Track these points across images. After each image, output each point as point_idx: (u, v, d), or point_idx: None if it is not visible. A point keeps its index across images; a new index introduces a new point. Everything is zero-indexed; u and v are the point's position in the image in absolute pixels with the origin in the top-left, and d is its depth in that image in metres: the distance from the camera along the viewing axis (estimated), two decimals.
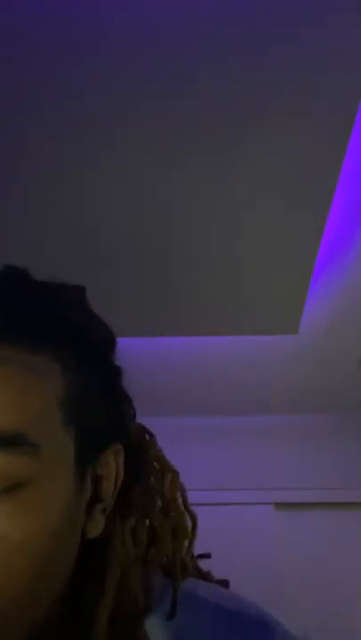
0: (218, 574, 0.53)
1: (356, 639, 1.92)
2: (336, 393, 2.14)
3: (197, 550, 0.51)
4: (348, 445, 2.23)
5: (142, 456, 0.50)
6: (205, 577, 0.51)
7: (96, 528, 0.43)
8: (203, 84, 1.15)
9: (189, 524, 0.50)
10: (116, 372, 0.50)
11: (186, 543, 0.49)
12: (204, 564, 0.51)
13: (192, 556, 0.50)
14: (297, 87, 1.15)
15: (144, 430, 0.53)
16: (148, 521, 0.48)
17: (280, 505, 2.15)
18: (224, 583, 0.52)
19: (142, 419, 0.52)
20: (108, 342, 0.50)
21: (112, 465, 0.46)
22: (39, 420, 0.39)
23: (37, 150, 1.25)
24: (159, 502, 0.49)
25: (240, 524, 2.07)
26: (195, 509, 0.51)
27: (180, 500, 0.50)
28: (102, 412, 0.45)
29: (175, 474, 0.52)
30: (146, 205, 1.39)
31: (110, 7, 1.03)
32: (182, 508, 0.50)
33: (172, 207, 1.39)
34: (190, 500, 0.51)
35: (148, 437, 0.53)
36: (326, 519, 2.13)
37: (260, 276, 1.60)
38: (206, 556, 0.53)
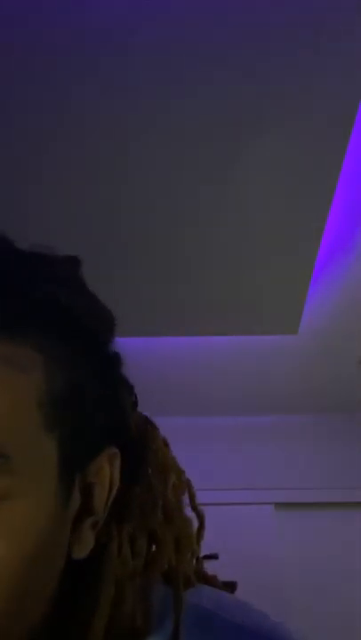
0: (217, 573, 0.52)
1: (356, 639, 1.92)
2: (336, 393, 2.14)
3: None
4: (349, 445, 2.23)
5: (143, 451, 0.45)
6: (211, 581, 0.47)
7: (84, 547, 0.37)
8: (203, 85, 1.15)
9: (195, 526, 0.45)
10: (113, 362, 0.43)
11: (190, 555, 0.43)
12: (210, 566, 0.48)
13: (198, 558, 0.46)
14: (297, 88, 1.15)
15: (146, 422, 0.47)
16: (148, 528, 0.42)
17: (280, 505, 2.15)
18: (231, 586, 0.49)
19: None
20: (105, 327, 0.43)
21: (106, 471, 0.39)
22: (10, 425, 0.33)
23: (37, 150, 1.25)
24: (161, 506, 0.43)
25: (240, 524, 2.07)
26: None
27: (184, 504, 0.45)
28: (95, 411, 0.39)
29: (180, 472, 0.46)
30: (147, 206, 1.39)
31: (110, 10, 1.03)
32: (186, 513, 0.45)
33: (174, 207, 1.39)
34: None
35: (150, 430, 0.46)
36: (327, 519, 2.12)
37: (260, 276, 1.60)
38: (213, 557, 0.49)
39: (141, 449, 0.45)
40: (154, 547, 0.42)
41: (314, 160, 1.28)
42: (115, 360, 0.44)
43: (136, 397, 0.47)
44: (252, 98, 1.16)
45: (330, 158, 1.28)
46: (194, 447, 2.12)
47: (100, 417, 0.40)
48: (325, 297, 1.72)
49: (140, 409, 0.48)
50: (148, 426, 0.47)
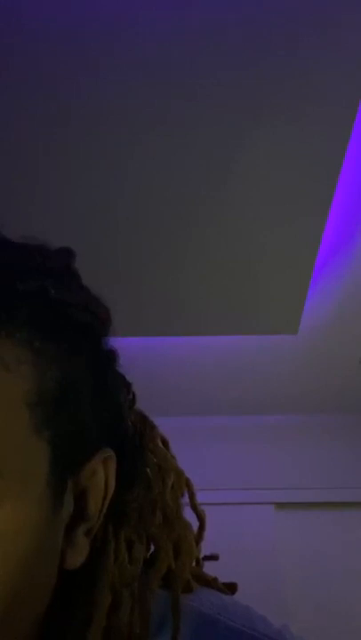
0: (217, 574, 0.51)
1: (357, 639, 1.92)
2: (336, 393, 2.13)
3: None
4: (349, 445, 2.23)
5: (140, 452, 0.43)
6: (211, 583, 0.46)
7: (78, 556, 0.36)
8: (201, 91, 1.14)
9: (195, 527, 0.44)
10: (108, 358, 0.42)
11: (189, 559, 0.42)
12: (209, 566, 0.48)
13: (198, 559, 0.45)
14: (297, 87, 1.15)
15: (144, 420, 0.45)
16: (146, 532, 0.40)
17: (280, 505, 2.15)
18: (232, 587, 0.48)
19: None
20: (100, 322, 0.40)
21: (101, 474, 0.38)
22: None
23: (35, 148, 1.25)
24: (159, 510, 0.41)
25: (240, 524, 2.07)
26: None
27: (183, 505, 0.44)
28: (90, 410, 0.37)
29: (179, 473, 0.45)
30: (145, 206, 1.39)
31: (111, 5, 1.03)
32: (186, 513, 0.44)
33: (173, 207, 1.39)
34: None
35: (148, 429, 0.45)
36: (327, 519, 2.12)
37: (261, 276, 1.60)
38: (213, 557, 0.47)
39: (139, 449, 0.43)
40: (152, 551, 0.41)
41: (314, 160, 1.28)
42: (110, 356, 0.42)
43: (134, 395, 0.45)
44: (251, 97, 1.16)
45: (330, 158, 1.28)
46: (194, 447, 2.12)
47: (94, 417, 0.38)
48: (325, 297, 1.72)
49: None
50: (146, 425, 0.45)
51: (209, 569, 0.49)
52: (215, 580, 0.46)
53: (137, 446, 0.43)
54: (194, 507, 0.46)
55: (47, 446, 0.34)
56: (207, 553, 0.48)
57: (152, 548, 0.42)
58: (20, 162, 1.27)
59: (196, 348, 1.88)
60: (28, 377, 0.33)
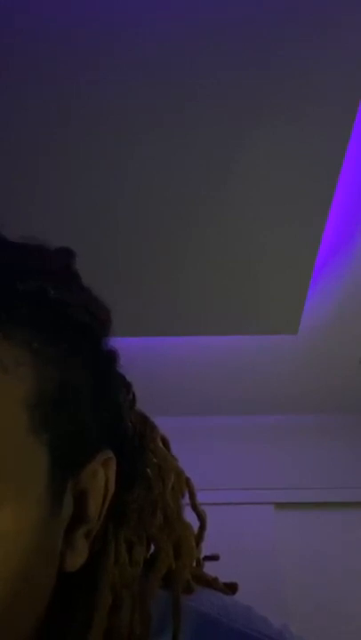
0: (217, 574, 0.51)
1: (356, 639, 1.92)
2: (336, 393, 2.13)
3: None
4: (349, 445, 2.22)
5: (141, 452, 0.43)
6: (212, 583, 0.46)
7: (77, 558, 0.35)
8: (201, 91, 1.14)
9: (196, 527, 0.44)
10: (109, 359, 0.41)
11: (190, 560, 0.42)
12: (209, 567, 0.48)
13: (198, 560, 0.45)
14: (297, 87, 1.15)
15: (144, 421, 0.45)
16: (146, 533, 0.40)
17: (280, 505, 2.14)
18: (232, 587, 0.48)
19: None
20: (100, 322, 0.40)
21: (101, 476, 0.37)
22: None
23: (35, 148, 1.25)
24: (160, 510, 0.41)
25: (240, 523, 2.07)
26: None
27: (183, 505, 0.44)
28: (90, 411, 0.37)
29: (179, 474, 0.45)
30: (145, 206, 1.39)
31: (111, 5, 1.03)
32: (187, 513, 0.44)
33: (174, 207, 1.39)
34: None
35: (148, 429, 0.45)
36: (327, 519, 2.12)
37: (261, 275, 1.60)
38: (214, 558, 0.47)
39: (139, 449, 0.43)
40: (152, 552, 0.41)
41: (314, 160, 1.28)
42: (110, 357, 0.42)
43: (134, 395, 0.45)
44: (251, 97, 1.16)
45: (330, 158, 1.28)
46: (194, 447, 2.12)
47: (95, 418, 0.38)
48: (325, 297, 1.72)
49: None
50: (146, 425, 0.45)
51: (209, 569, 0.49)
52: (216, 580, 0.46)
53: (137, 447, 0.43)
54: (194, 507, 0.46)
55: (46, 448, 0.33)
56: (207, 553, 0.48)
57: (152, 548, 0.42)
58: (20, 162, 1.27)
59: (196, 348, 1.88)
60: (27, 378, 0.33)
